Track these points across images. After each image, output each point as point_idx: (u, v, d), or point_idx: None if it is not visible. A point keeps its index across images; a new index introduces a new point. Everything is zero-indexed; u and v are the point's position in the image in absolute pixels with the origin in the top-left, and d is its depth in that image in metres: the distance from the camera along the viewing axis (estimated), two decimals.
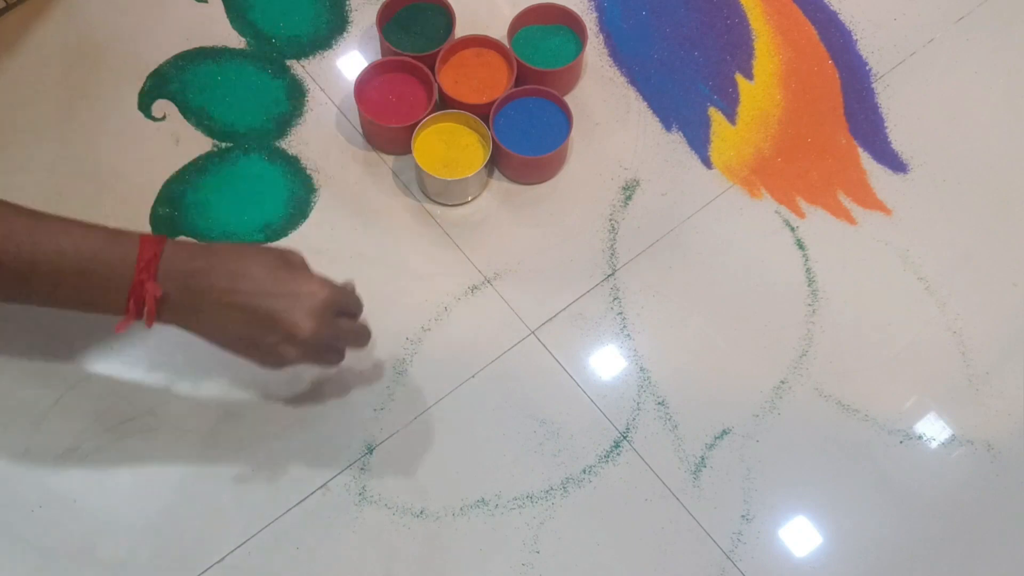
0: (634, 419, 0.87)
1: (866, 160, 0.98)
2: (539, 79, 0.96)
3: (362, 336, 0.80)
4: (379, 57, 1.00)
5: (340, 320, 0.77)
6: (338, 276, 0.91)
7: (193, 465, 0.84)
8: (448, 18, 0.98)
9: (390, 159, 0.96)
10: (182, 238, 0.74)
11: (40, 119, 0.96)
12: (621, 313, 0.91)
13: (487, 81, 0.96)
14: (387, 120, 0.94)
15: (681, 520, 0.83)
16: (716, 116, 0.99)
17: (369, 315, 0.89)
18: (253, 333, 0.74)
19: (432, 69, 0.94)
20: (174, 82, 0.98)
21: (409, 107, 0.95)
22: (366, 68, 0.95)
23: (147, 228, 0.92)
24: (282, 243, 0.92)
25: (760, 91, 1.01)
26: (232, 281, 0.73)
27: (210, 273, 0.73)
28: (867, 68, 1.02)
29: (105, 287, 0.71)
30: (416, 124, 0.92)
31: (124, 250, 0.72)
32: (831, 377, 0.89)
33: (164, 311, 0.73)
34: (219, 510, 0.83)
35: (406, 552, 0.82)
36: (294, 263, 0.76)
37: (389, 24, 0.98)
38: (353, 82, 0.95)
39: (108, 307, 0.73)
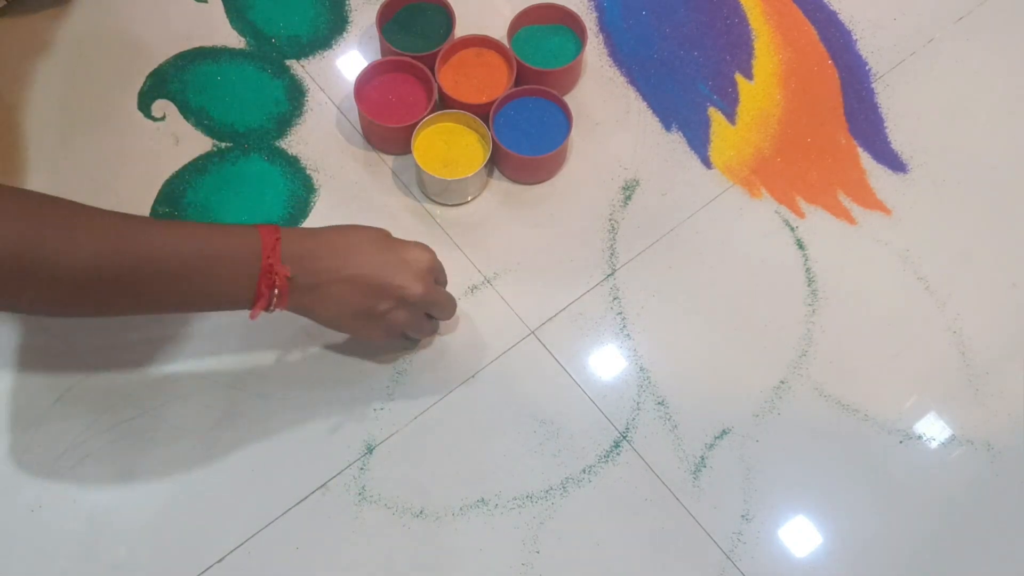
0: (634, 419, 0.87)
1: (866, 160, 0.98)
2: (539, 79, 0.96)
3: (452, 303, 0.85)
4: (379, 57, 1.00)
5: (440, 288, 0.84)
6: None
7: (193, 465, 0.84)
8: (448, 18, 0.98)
9: (390, 159, 0.96)
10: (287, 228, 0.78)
11: (40, 119, 0.96)
12: (621, 313, 0.91)
13: (487, 81, 0.96)
14: (387, 120, 0.94)
15: (681, 520, 0.83)
16: (716, 116, 0.99)
17: None
18: (367, 302, 0.78)
19: (432, 69, 0.94)
20: (174, 82, 0.98)
21: (409, 107, 0.95)
22: (366, 68, 0.95)
23: None
24: None
25: (760, 91, 1.01)
26: (344, 257, 0.78)
27: (322, 253, 0.77)
28: (867, 68, 1.02)
29: (233, 278, 0.74)
30: (416, 124, 0.92)
31: (247, 240, 0.74)
32: (831, 377, 0.89)
33: (289, 294, 0.76)
34: (219, 510, 0.83)
35: (406, 552, 0.82)
36: (389, 234, 0.81)
37: (389, 24, 0.98)
38: (353, 82, 0.95)
39: (236, 298, 0.75)
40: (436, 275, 0.82)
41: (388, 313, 0.80)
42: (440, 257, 0.92)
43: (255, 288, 0.74)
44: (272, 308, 0.76)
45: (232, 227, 0.76)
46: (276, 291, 0.75)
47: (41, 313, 0.84)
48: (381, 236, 0.81)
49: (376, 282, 0.78)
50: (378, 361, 0.88)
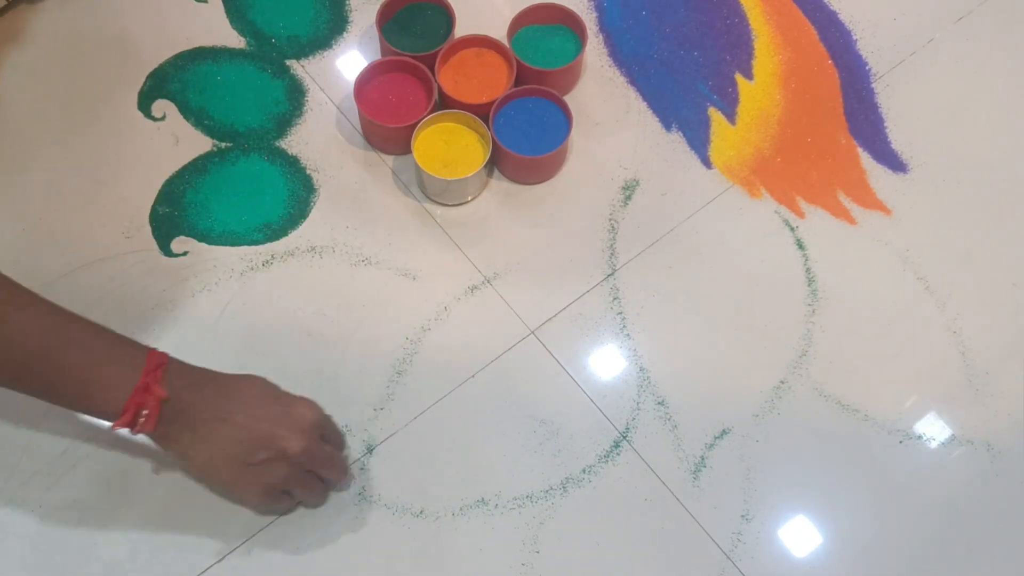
0: (634, 419, 0.87)
1: (866, 160, 0.98)
2: (539, 79, 0.96)
3: (340, 464, 0.82)
4: (379, 57, 1.00)
5: (326, 445, 0.80)
6: (338, 277, 0.91)
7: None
8: (448, 18, 0.98)
9: (390, 159, 0.96)
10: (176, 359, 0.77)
11: (40, 119, 0.96)
12: (621, 313, 0.91)
13: (487, 81, 0.96)
14: (387, 120, 0.94)
15: (681, 520, 0.83)
16: (716, 116, 0.99)
17: (369, 315, 0.90)
18: (243, 451, 0.75)
19: (432, 69, 0.94)
20: (174, 82, 0.98)
21: (409, 107, 0.95)
22: (366, 68, 0.95)
23: (147, 228, 0.92)
24: (281, 243, 0.92)
25: (760, 91, 1.01)
26: (227, 399, 0.76)
27: (206, 391, 0.76)
28: (867, 68, 1.02)
29: (105, 387, 0.73)
30: (416, 124, 0.92)
31: (132, 355, 0.74)
32: (831, 377, 0.89)
33: (159, 422, 0.74)
34: (219, 510, 0.83)
35: (406, 552, 0.82)
36: (276, 387, 0.79)
37: (389, 24, 0.98)
38: (353, 82, 0.95)
39: (101, 407, 0.73)
40: (322, 432, 0.79)
41: (265, 465, 0.76)
42: (440, 257, 0.92)
43: (124, 402, 0.72)
44: (136, 430, 0.73)
45: (123, 339, 0.75)
46: (145, 411, 0.73)
47: None
48: (270, 388, 0.78)
49: (255, 430, 0.75)
50: (378, 361, 0.88)
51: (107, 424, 0.73)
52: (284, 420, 0.76)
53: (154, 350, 0.75)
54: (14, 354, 0.71)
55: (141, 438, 0.76)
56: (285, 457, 0.76)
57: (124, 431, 0.73)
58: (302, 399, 0.79)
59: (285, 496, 0.80)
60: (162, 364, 0.74)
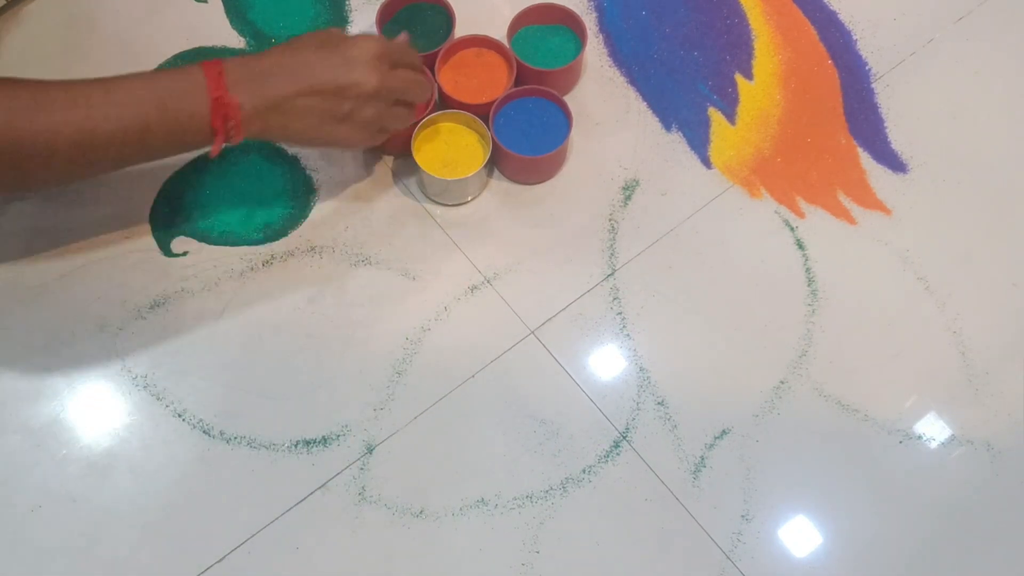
0: (634, 419, 0.87)
1: (866, 160, 0.98)
2: (539, 79, 0.96)
3: (423, 85, 0.86)
4: None
5: (399, 71, 0.83)
6: (338, 277, 0.91)
7: (193, 465, 0.84)
8: (448, 18, 0.98)
9: (390, 159, 0.96)
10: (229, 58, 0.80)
11: None
12: (621, 313, 0.91)
13: (487, 81, 0.96)
14: None
15: (681, 520, 0.83)
16: (716, 116, 0.99)
17: (369, 315, 0.90)
18: (328, 107, 0.80)
19: (432, 69, 0.94)
20: None
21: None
22: None
23: (147, 227, 0.92)
24: (281, 243, 0.92)
25: (760, 91, 1.01)
26: (291, 71, 0.79)
27: (269, 73, 0.78)
28: (867, 68, 1.02)
29: (186, 120, 0.76)
30: (416, 124, 0.92)
31: (191, 79, 0.77)
32: (831, 377, 0.89)
33: (245, 121, 0.78)
34: (219, 510, 0.83)
35: (406, 552, 0.82)
36: (336, 34, 0.82)
37: (389, 24, 0.98)
38: None
39: (194, 138, 0.77)
40: (392, 59, 0.82)
41: (354, 113, 0.81)
42: (440, 257, 0.92)
43: (210, 125, 0.76)
44: (231, 140, 0.78)
45: (173, 71, 0.78)
46: (231, 123, 0.77)
47: (32, 186, 0.88)
48: (324, 38, 0.81)
49: (329, 86, 0.79)
50: (378, 361, 0.88)
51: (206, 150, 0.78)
52: (348, 64, 0.79)
53: (206, 64, 0.77)
54: (112, 130, 0.75)
55: None
56: (367, 98, 0.80)
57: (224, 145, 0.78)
58: (358, 37, 0.81)
59: (382, 131, 0.85)
60: (220, 72, 0.77)
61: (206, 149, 0.78)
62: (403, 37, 0.87)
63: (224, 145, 0.79)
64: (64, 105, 0.74)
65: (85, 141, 0.75)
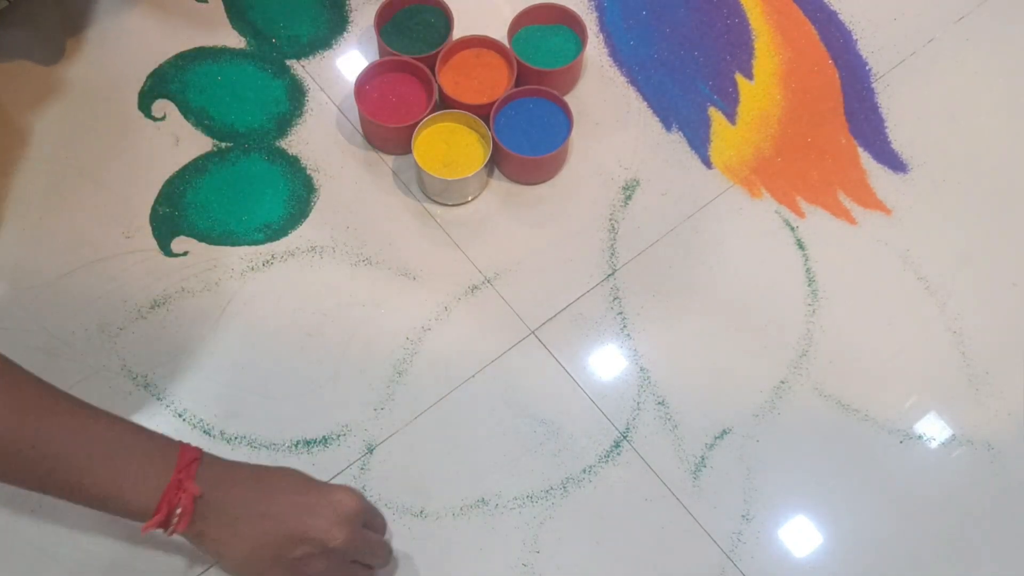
0: (634, 419, 0.87)
1: (866, 160, 0.98)
2: (539, 79, 0.96)
3: (386, 551, 0.78)
4: (378, 58, 0.99)
5: (367, 533, 0.76)
6: (338, 277, 0.91)
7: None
8: (446, 21, 0.98)
9: (390, 159, 0.96)
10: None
11: (40, 119, 0.96)
12: (621, 313, 0.91)
13: (487, 82, 0.96)
14: (387, 120, 0.94)
15: (681, 520, 0.83)
16: (716, 116, 0.99)
17: (369, 315, 0.90)
18: (283, 545, 0.71)
19: (432, 71, 0.94)
20: (174, 82, 0.98)
21: (409, 107, 0.95)
22: (366, 68, 0.95)
23: (147, 227, 0.92)
24: (281, 243, 0.92)
25: (760, 91, 1.01)
26: (265, 493, 0.72)
27: (238, 484, 0.72)
28: (867, 68, 1.02)
29: (136, 485, 0.69)
30: (416, 124, 0.92)
31: (163, 449, 0.70)
32: (831, 377, 0.89)
33: (193, 520, 0.70)
34: None
35: (406, 552, 0.82)
36: (315, 480, 0.75)
37: (387, 26, 0.98)
38: (353, 82, 0.95)
39: (132, 507, 0.69)
40: (366, 519, 0.76)
41: (304, 560, 0.71)
42: (440, 257, 0.92)
43: (157, 500, 0.68)
44: (170, 530, 0.69)
45: (152, 434, 0.71)
46: (179, 510, 0.69)
47: None
48: (304, 478, 0.74)
49: (295, 524, 0.71)
50: (378, 361, 0.88)
51: (138, 524, 0.69)
52: (324, 511, 0.72)
53: (187, 445, 0.71)
54: (40, 458, 0.68)
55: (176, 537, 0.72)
56: (327, 551, 0.71)
57: (157, 531, 0.70)
58: (341, 487, 0.75)
59: None
60: (195, 459, 0.70)
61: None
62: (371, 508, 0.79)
63: (154, 530, 0.70)
64: (14, 407, 0.68)
65: (21, 452, 0.68)
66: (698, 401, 0.88)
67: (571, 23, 0.99)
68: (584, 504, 0.84)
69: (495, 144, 0.92)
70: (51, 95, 0.97)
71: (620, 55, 1.02)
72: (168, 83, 0.98)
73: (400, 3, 0.98)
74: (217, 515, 0.70)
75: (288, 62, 1.00)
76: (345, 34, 1.02)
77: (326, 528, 0.71)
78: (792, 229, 0.95)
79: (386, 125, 0.93)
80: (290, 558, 0.71)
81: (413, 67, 0.95)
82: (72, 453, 0.68)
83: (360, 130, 0.97)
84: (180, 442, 0.72)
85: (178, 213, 0.93)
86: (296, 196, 0.94)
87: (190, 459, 0.70)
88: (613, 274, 0.92)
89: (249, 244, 0.92)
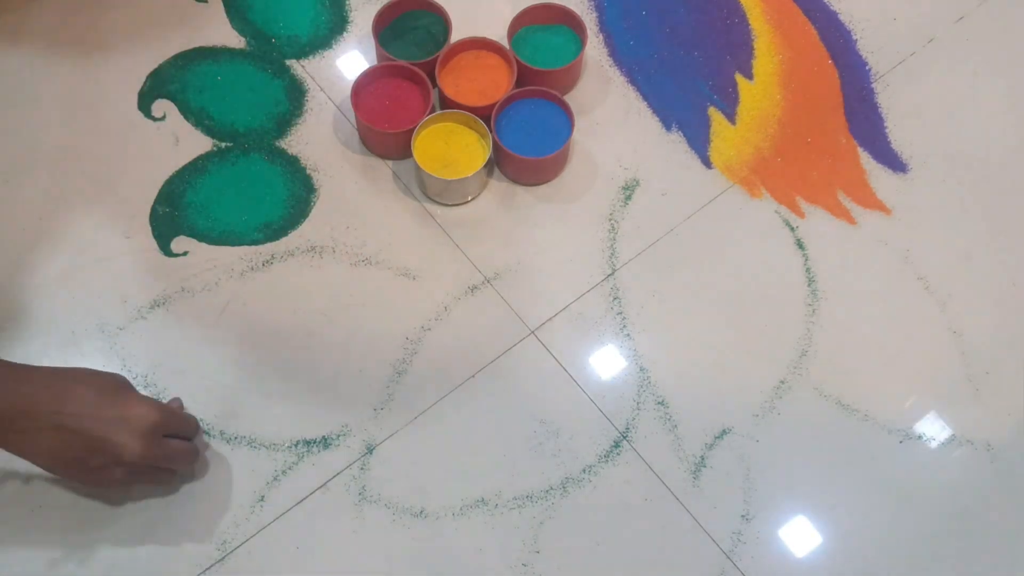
0: (634, 419, 0.87)
1: (866, 160, 0.98)
2: (539, 79, 0.96)
3: (189, 456, 0.80)
4: (376, 62, 0.99)
5: (169, 441, 0.78)
6: (338, 277, 0.91)
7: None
8: (444, 26, 0.98)
9: (390, 159, 0.96)
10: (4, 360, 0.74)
11: (40, 119, 0.96)
12: (621, 313, 0.91)
13: (488, 83, 0.96)
14: (383, 125, 0.93)
15: (681, 520, 0.83)
16: (716, 116, 0.99)
17: (369, 316, 0.90)
18: (79, 455, 0.74)
19: (431, 75, 0.94)
20: (174, 82, 0.98)
21: (406, 112, 0.94)
22: (362, 73, 0.94)
23: (147, 227, 0.92)
24: (281, 243, 0.92)
25: (760, 91, 1.01)
26: (59, 403, 0.73)
27: (36, 397, 0.73)
28: (867, 68, 1.02)
29: None
30: (411, 130, 0.92)
31: None
32: (831, 377, 0.89)
33: None
34: (219, 510, 0.83)
35: (406, 552, 0.82)
36: (120, 385, 0.77)
37: (385, 32, 0.98)
38: (353, 82, 0.95)
39: None
40: (167, 429, 0.78)
41: (103, 469, 0.75)
42: (440, 257, 0.92)
43: None
44: None
45: None
46: None
47: None
48: (106, 387, 0.76)
49: (89, 436, 0.73)
50: (378, 361, 0.88)
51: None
52: (120, 426, 0.74)
53: None
54: None
55: None
56: (123, 463, 0.75)
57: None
58: (142, 400, 0.77)
59: (135, 484, 0.80)
60: None
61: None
62: (176, 403, 0.84)
63: None
64: None
65: None
66: (698, 401, 0.88)
67: (571, 23, 0.99)
68: (584, 504, 0.84)
69: (497, 146, 0.92)
70: (50, 95, 0.97)
71: (620, 55, 1.02)
72: (168, 83, 0.98)
73: (398, 8, 0.98)
74: (16, 427, 0.72)
75: (288, 62, 1.00)
76: (345, 34, 1.02)
77: (122, 443, 0.74)
78: (792, 229, 0.95)
79: (382, 130, 0.93)
80: (90, 465, 0.75)
81: (410, 72, 0.95)
82: None
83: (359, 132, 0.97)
84: None
85: (178, 213, 0.93)
86: (296, 196, 0.94)
87: None
88: (613, 274, 0.92)
89: (249, 244, 0.92)
